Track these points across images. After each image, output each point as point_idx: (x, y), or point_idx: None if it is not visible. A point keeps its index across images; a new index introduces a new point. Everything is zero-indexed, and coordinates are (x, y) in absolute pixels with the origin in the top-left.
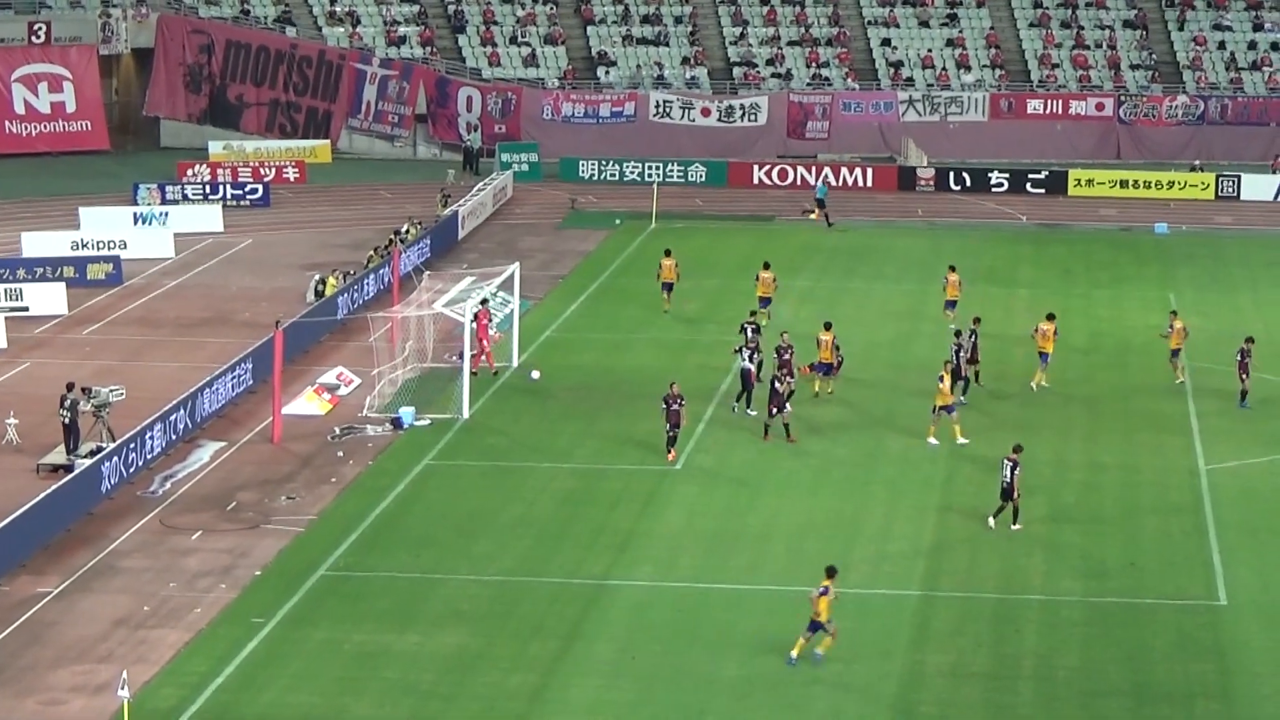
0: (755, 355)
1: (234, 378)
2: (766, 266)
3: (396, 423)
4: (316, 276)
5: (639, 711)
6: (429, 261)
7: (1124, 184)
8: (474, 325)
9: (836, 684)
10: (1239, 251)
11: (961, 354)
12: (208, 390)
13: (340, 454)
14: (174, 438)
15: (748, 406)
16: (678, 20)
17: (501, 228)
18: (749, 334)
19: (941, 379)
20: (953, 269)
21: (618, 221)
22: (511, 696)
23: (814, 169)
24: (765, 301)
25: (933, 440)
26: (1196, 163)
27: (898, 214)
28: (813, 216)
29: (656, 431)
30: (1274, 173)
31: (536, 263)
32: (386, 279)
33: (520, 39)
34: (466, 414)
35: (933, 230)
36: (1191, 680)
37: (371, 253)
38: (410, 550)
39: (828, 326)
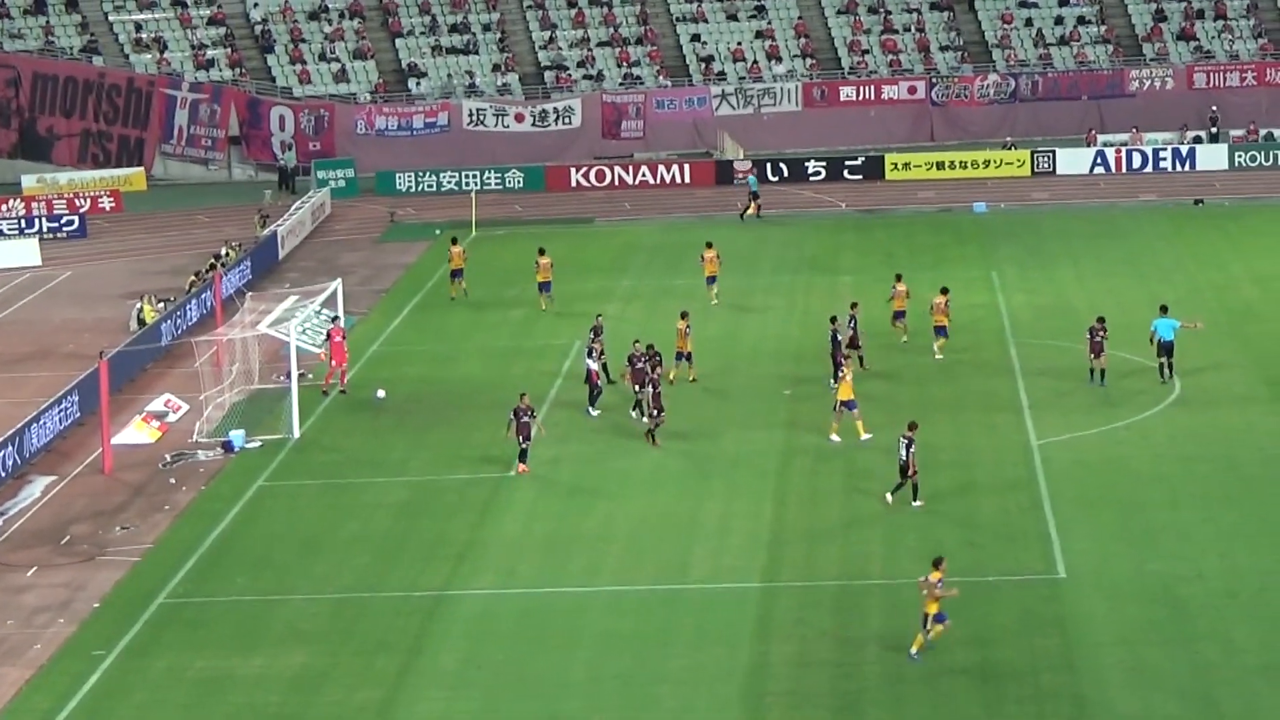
0: (600, 355)
1: (61, 411)
2: (542, 253)
3: (227, 446)
4: (138, 305)
5: None
6: (250, 283)
7: (940, 165)
8: (326, 344)
9: (684, 680)
10: (1057, 226)
11: (839, 339)
12: (35, 425)
13: (173, 481)
14: (3, 475)
15: (589, 406)
16: (486, 28)
17: (322, 245)
18: (592, 334)
19: (842, 374)
20: (709, 245)
21: (437, 232)
22: (358, 713)
23: (630, 168)
24: (545, 286)
25: (834, 437)
26: (1008, 140)
27: (717, 208)
28: (750, 211)
29: (490, 440)
30: (1088, 146)
31: (358, 278)
32: (209, 303)
33: (329, 55)
34: (297, 433)
35: (753, 223)
36: (1036, 655)
37: (193, 277)
38: (249, 573)
39: (684, 315)
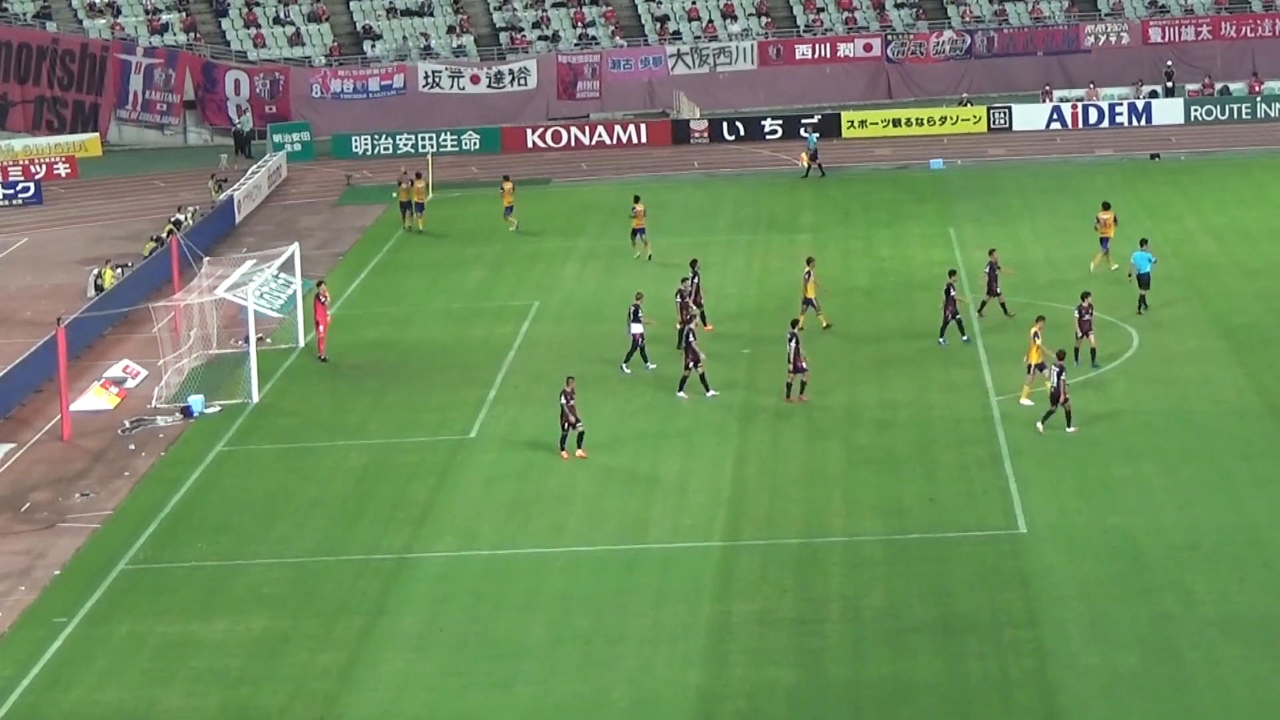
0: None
1: (18, 377)
2: (419, 175)
3: (186, 411)
4: (95, 271)
5: (449, 681)
6: (208, 247)
7: (897, 123)
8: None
9: (645, 639)
10: (1014, 182)
11: (954, 293)
12: None
13: (132, 447)
14: None
15: (642, 361)
16: None
17: (279, 209)
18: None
19: (1036, 335)
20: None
21: (394, 195)
22: (321, 676)
23: (587, 128)
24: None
25: (1026, 401)
26: (964, 96)
27: (673, 168)
28: (811, 168)
29: (449, 403)
30: (1044, 101)
31: (316, 241)
32: (167, 267)
33: (284, 18)
34: (256, 397)
35: (710, 182)
36: (998, 610)
37: (153, 243)
38: (209, 538)
39: (809, 261)
